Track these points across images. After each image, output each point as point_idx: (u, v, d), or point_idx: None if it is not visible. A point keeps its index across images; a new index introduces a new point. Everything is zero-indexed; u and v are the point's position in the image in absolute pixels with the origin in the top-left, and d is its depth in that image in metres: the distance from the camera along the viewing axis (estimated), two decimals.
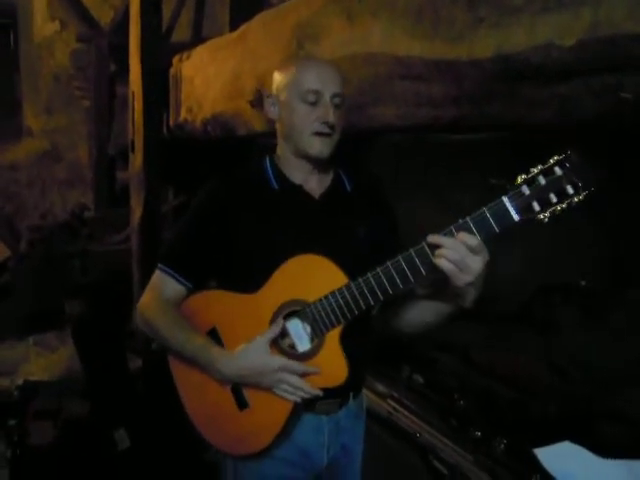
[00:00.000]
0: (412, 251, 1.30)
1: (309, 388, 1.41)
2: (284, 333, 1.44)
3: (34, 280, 5.02)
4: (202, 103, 3.61)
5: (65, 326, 4.40)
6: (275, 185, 1.52)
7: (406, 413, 2.19)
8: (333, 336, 1.40)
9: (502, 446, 1.84)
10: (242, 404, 1.48)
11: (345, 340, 1.41)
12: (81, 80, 6.04)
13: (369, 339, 1.65)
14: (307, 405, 1.47)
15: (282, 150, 1.55)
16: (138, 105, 4.02)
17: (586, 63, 1.38)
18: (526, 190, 1.20)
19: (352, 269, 1.41)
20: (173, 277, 1.52)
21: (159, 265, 1.55)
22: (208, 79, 3.52)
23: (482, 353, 2.28)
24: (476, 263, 1.24)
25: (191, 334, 1.48)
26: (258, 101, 2.81)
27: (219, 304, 1.52)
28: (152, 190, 4.09)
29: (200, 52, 3.73)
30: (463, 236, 1.23)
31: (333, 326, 1.39)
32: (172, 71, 4.08)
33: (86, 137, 6.84)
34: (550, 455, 1.72)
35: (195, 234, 1.53)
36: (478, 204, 1.27)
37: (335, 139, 1.48)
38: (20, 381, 3.78)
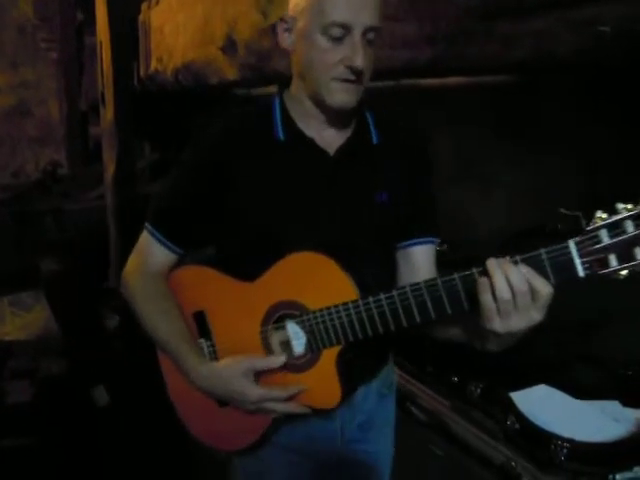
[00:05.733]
0: (439, 281, 1.03)
1: (294, 408, 1.22)
2: (279, 327, 1.23)
3: (7, 240, 4.94)
4: (172, 52, 3.49)
5: (40, 285, 4.35)
6: (281, 135, 1.23)
7: None
8: (330, 355, 1.18)
9: (478, 390, 1.85)
10: (222, 402, 1.31)
11: (344, 361, 1.18)
12: (47, 31, 5.83)
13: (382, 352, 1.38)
14: None
15: (296, 89, 1.23)
16: (106, 56, 3.89)
17: None
18: (605, 237, 0.89)
19: (368, 247, 1.23)
20: (162, 243, 1.30)
21: (147, 225, 1.31)
22: (177, 26, 3.39)
23: None
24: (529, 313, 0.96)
25: (174, 329, 1.29)
26: (229, 47, 2.71)
27: (212, 286, 1.32)
28: (125, 145, 3.99)
29: None
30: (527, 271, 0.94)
31: (331, 344, 1.16)
32: (141, 19, 3.93)
33: (56, 92, 6.65)
34: (526, 398, 1.74)
35: (188, 191, 1.28)
36: (460, 155, 1.16)
37: (364, 85, 1.16)
38: None
